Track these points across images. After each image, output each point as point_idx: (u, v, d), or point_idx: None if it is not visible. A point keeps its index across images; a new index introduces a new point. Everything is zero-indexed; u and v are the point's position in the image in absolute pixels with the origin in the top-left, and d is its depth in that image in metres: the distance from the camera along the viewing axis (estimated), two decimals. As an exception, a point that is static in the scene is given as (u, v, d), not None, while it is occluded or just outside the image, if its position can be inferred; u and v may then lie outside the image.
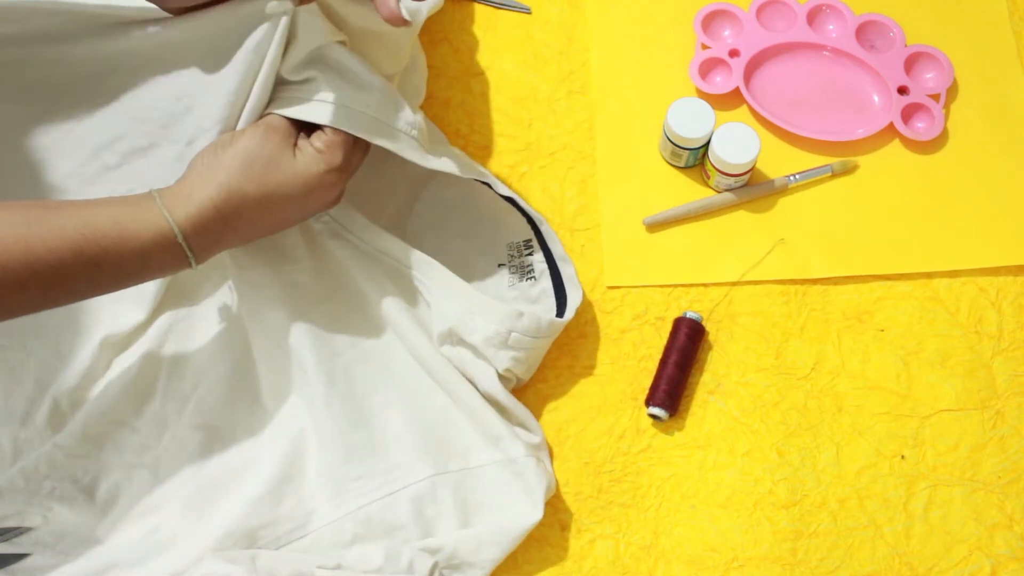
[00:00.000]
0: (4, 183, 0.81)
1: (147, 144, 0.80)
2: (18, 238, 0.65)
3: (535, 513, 0.78)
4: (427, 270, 0.82)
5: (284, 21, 0.74)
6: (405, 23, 0.70)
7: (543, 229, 0.85)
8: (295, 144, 0.74)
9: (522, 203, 0.84)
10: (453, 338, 0.81)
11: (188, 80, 0.77)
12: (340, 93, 0.75)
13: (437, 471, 0.79)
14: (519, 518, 0.78)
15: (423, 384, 0.82)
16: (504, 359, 0.80)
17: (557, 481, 0.83)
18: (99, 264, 0.68)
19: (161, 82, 0.78)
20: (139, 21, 0.76)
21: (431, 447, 0.80)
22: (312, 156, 0.73)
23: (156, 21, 0.76)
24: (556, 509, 0.82)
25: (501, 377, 0.81)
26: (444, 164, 0.80)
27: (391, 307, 0.81)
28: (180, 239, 0.69)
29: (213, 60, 0.76)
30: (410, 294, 0.83)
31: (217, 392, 0.81)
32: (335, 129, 0.74)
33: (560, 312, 0.83)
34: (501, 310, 0.79)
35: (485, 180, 0.84)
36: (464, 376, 0.81)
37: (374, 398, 0.81)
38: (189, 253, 0.70)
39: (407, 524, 0.78)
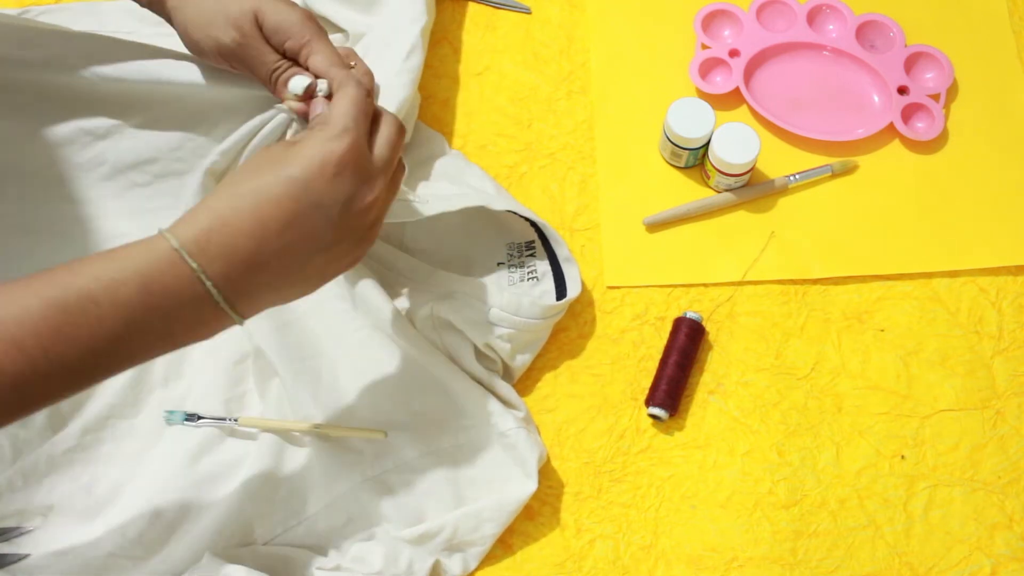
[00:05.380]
0: (26, 191, 0.83)
1: (185, 169, 0.83)
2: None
3: (530, 484, 0.79)
4: (406, 265, 0.84)
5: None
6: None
7: (548, 233, 0.85)
8: None
9: (524, 212, 0.84)
10: (435, 320, 0.81)
11: (219, 120, 0.81)
12: None
13: (428, 449, 0.80)
14: (514, 491, 0.79)
15: (409, 367, 0.82)
16: (483, 333, 0.80)
17: (562, 482, 0.83)
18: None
19: (197, 120, 0.82)
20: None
21: (420, 426, 0.81)
22: (311, 133, 0.64)
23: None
24: (556, 509, 0.82)
25: (484, 357, 0.82)
26: (435, 207, 0.81)
27: (374, 297, 0.81)
28: (175, 243, 0.59)
29: (236, 115, 0.80)
30: (390, 285, 0.84)
31: (212, 388, 0.82)
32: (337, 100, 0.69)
33: None
34: (481, 286, 0.80)
35: (480, 204, 0.83)
36: (448, 356, 0.82)
37: (361, 384, 0.81)
38: (195, 265, 0.59)
39: (400, 503, 0.78)
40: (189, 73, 0.79)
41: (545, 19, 0.99)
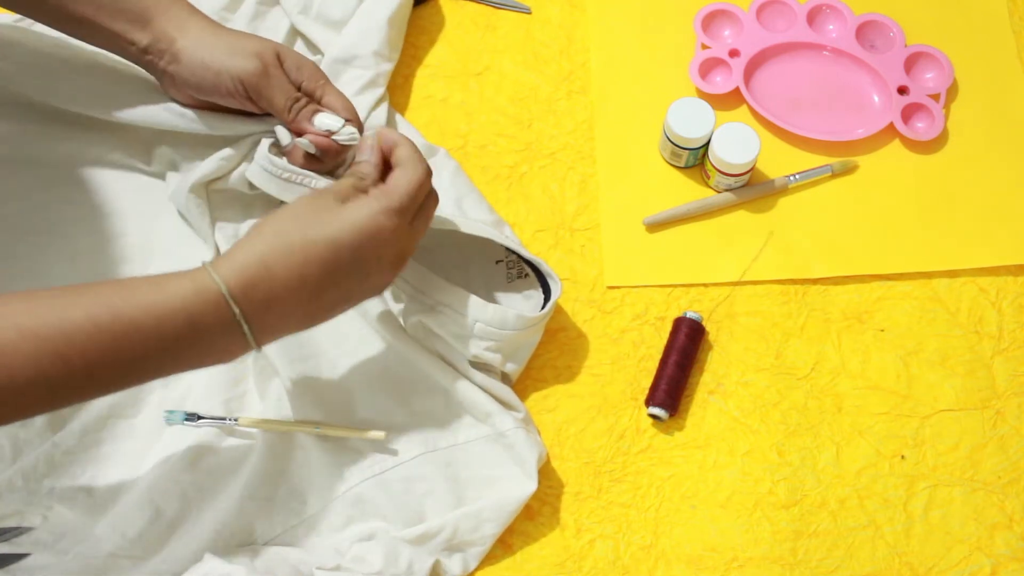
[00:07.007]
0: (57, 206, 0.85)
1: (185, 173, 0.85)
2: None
3: (530, 484, 0.79)
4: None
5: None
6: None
7: (495, 236, 0.83)
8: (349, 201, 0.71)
9: (470, 229, 0.82)
10: (423, 329, 0.81)
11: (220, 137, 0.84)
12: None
13: (427, 449, 0.80)
14: (515, 490, 0.79)
15: (409, 368, 0.82)
16: (473, 347, 0.80)
17: (562, 482, 0.83)
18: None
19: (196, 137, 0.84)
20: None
21: (420, 426, 0.81)
22: (366, 199, 0.69)
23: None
24: (556, 509, 0.82)
25: (479, 365, 0.82)
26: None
27: (372, 300, 0.81)
28: (223, 289, 0.64)
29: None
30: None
31: (213, 388, 0.82)
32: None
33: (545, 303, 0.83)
34: (466, 300, 0.79)
35: (447, 227, 0.82)
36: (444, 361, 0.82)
37: (361, 385, 0.82)
38: (237, 311, 0.65)
39: (400, 503, 0.78)
40: (188, 122, 0.81)
41: (545, 19, 0.99)
